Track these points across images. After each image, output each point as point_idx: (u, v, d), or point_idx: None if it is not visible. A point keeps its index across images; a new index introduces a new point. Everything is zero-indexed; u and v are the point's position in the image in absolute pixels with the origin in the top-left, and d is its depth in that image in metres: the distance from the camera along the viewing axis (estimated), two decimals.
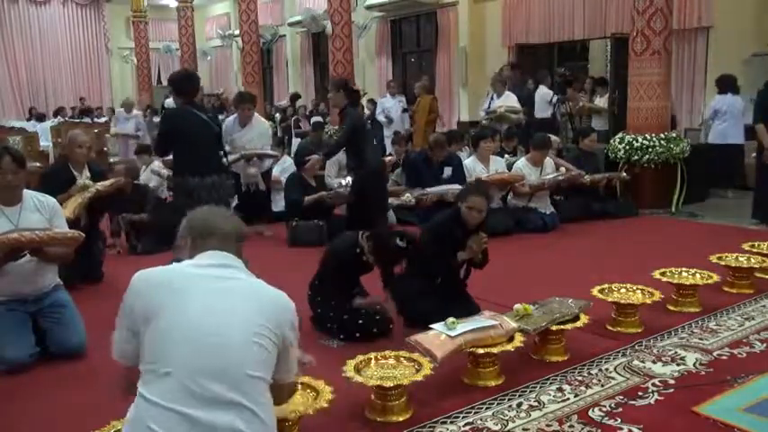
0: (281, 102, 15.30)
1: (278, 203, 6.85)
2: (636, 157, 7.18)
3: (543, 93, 10.04)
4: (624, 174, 7.09)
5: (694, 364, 3.17)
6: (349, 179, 6.05)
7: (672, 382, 2.99)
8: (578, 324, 3.29)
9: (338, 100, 5.55)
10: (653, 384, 2.96)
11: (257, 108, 13.71)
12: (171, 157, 5.15)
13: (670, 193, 7.20)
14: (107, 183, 4.86)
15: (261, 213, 6.67)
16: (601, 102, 9.88)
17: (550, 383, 3.02)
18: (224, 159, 5.12)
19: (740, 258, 4.39)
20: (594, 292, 3.72)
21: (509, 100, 8.82)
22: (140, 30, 19.06)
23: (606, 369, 3.15)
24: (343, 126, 5.73)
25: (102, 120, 15.94)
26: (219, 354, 1.76)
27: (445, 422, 2.69)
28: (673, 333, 3.58)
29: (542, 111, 9.96)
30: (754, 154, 8.42)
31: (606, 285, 3.80)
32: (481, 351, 2.96)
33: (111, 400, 2.95)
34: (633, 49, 7.20)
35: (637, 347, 3.39)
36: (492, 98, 8.98)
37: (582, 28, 11.17)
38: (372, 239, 3.63)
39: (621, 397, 2.85)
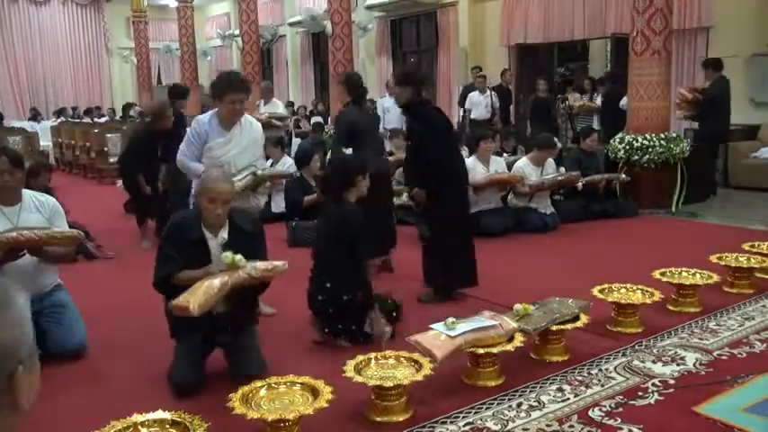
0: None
1: (278, 204, 6.86)
2: (636, 158, 7.17)
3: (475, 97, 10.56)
4: (624, 175, 7.07)
5: (694, 364, 3.16)
6: None
7: (672, 382, 2.99)
8: (578, 324, 3.29)
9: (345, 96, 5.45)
10: (653, 384, 2.96)
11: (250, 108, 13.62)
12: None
13: (670, 193, 7.19)
14: (261, 266, 3.04)
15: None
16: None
17: (550, 383, 3.01)
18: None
19: (740, 258, 4.39)
20: (594, 292, 3.72)
21: (274, 107, 9.23)
22: (140, 30, 19.05)
23: (606, 369, 3.15)
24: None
25: (103, 120, 15.98)
26: None
27: (445, 422, 2.69)
28: (673, 333, 3.57)
29: (480, 113, 10.38)
30: (754, 153, 8.45)
31: (606, 285, 3.80)
32: (481, 351, 2.97)
33: (110, 400, 2.97)
34: (633, 49, 7.19)
35: (637, 347, 3.38)
36: (259, 105, 9.32)
37: (582, 28, 11.16)
38: None
39: (621, 397, 2.85)
